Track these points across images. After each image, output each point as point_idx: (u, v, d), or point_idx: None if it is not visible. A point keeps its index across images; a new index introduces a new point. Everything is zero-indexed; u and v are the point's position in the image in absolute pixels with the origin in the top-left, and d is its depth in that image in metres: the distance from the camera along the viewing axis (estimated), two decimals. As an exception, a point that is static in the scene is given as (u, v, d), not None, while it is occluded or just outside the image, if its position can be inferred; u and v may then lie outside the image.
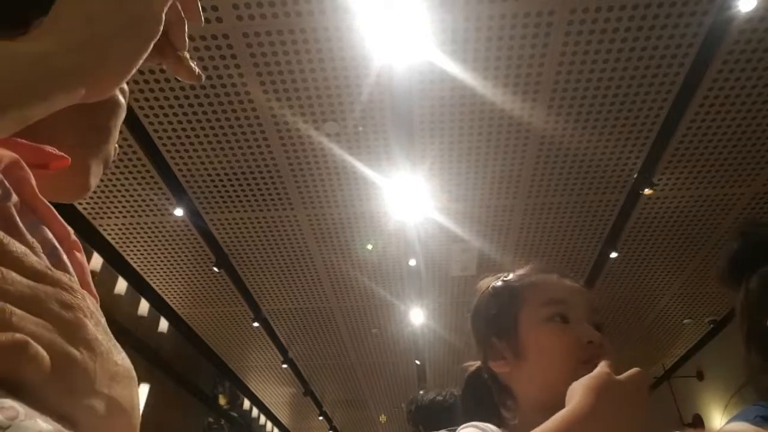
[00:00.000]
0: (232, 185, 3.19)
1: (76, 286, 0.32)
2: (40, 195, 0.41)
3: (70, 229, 0.45)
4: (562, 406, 0.66)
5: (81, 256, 0.45)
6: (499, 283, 0.81)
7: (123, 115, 0.61)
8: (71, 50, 0.38)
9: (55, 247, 0.42)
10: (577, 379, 0.64)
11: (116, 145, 0.64)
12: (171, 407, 5.04)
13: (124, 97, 0.64)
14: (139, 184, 3.16)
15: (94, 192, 3.23)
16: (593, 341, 0.67)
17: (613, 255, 3.75)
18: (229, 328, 5.06)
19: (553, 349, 0.70)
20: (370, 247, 3.75)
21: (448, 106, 2.65)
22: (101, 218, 3.48)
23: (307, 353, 5.67)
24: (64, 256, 0.43)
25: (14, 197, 0.37)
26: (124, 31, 0.41)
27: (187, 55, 0.51)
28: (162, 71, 2.44)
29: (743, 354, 0.86)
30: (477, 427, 0.68)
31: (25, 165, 0.39)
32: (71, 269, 0.44)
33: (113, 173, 3.08)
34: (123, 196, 3.24)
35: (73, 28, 0.39)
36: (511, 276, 0.80)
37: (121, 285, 4.11)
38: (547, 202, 3.35)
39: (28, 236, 0.37)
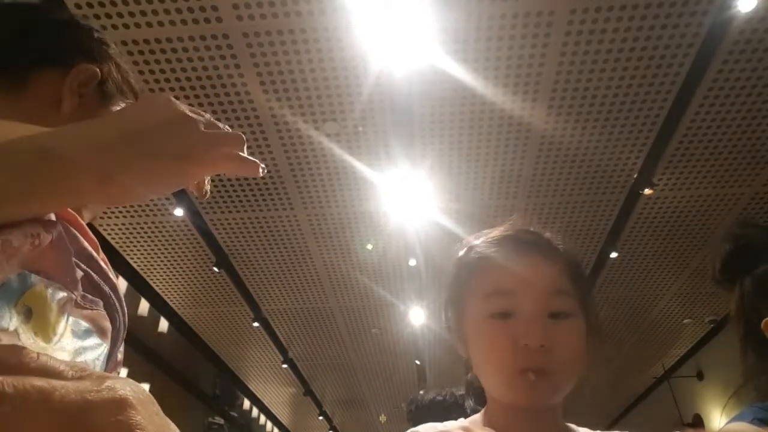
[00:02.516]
0: (232, 185, 3.19)
1: None
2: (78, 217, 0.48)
3: (96, 241, 0.52)
4: (516, 406, 0.61)
5: (106, 260, 0.53)
6: (461, 253, 0.71)
7: None
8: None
9: (91, 255, 0.50)
10: (515, 390, 0.59)
11: None
12: (171, 407, 5.00)
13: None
14: (139, 184, 3.16)
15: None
16: (529, 344, 0.57)
17: (613, 255, 3.75)
18: (229, 328, 5.06)
19: (484, 352, 0.63)
20: (370, 247, 3.75)
21: (448, 106, 2.65)
22: (101, 218, 3.48)
23: (307, 353, 5.67)
24: (101, 262, 0.51)
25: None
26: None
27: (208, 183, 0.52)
28: (162, 71, 2.44)
29: (740, 355, 0.86)
30: (434, 427, 0.66)
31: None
32: (110, 274, 0.52)
33: (113, 173, 3.08)
34: (123, 196, 3.24)
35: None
36: (476, 243, 0.70)
37: (121, 285, 4.11)
38: (547, 202, 3.35)
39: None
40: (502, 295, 0.62)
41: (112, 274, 0.53)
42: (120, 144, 0.40)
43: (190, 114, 0.45)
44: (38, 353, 0.26)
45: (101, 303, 0.50)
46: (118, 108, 0.65)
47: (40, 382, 0.24)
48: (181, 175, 0.44)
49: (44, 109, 0.57)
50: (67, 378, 0.26)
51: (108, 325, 0.51)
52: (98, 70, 0.62)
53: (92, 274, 0.50)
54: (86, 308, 0.47)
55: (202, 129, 0.45)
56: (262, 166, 0.49)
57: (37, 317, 0.41)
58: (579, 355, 0.61)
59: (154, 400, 0.29)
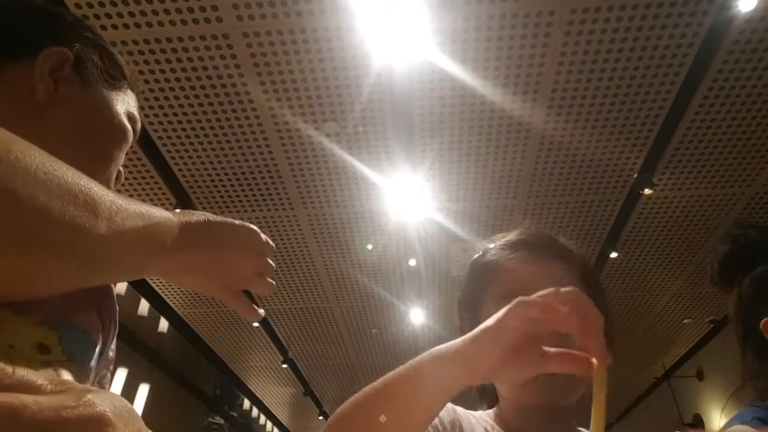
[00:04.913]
0: (232, 185, 3.19)
1: None
2: None
3: None
4: (528, 407, 0.63)
5: None
6: (476, 256, 0.74)
7: (129, 142, 0.63)
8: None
9: None
10: (530, 388, 0.60)
11: (120, 169, 0.65)
12: (171, 407, 5.04)
13: (133, 124, 0.65)
14: (139, 184, 3.16)
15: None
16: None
17: (613, 255, 3.75)
18: (229, 328, 5.06)
19: None
20: (370, 247, 3.75)
21: (448, 106, 2.65)
22: (101, 218, 3.47)
23: (307, 353, 5.67)
24: None
25: None
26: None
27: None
28: (162, 71, 2.45)
29: (739, 357, 0.86)
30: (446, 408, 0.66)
31: None
32: None
33: (113, 173, 3.08)
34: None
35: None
36: (491, 247, 0.73)
37: (122, 285, 4.10)
38: (547, 202, 3.35)
39: None
40: (514, 297, 0.63)
41: None
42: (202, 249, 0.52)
43: (259, 257, 0.58)
44: (14, 368, 0.25)
45: (90, 300, 0.50)
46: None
47: (9, 398, 0.22)
48: (212, 293, 0.59)
49: (20, 102, 0.54)
50: (46, 392, 0.24)
51: (98, 323, 0.51)
52: (69, 51, 0.58)
53: None
54: (71, 310, 0.47)
55: (255, 273, 0.59)
56: (261, 312, 0.65)
57: (6, 334, 0.40)
58: None
59: (138, 416, 0.28)
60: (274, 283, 0.61)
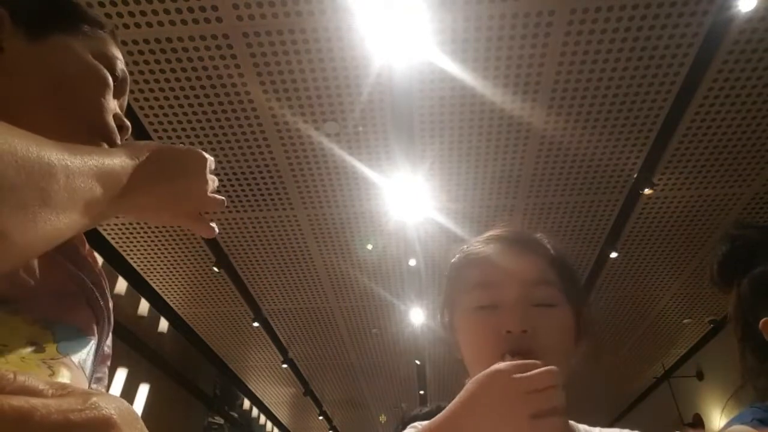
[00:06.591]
0: (232, 185, 3.19)
1: None
2: None
3: (81, 235, 0.55)
4: None
5: (92, 253, 0.58)
6: (455, 258, 0.73)
7: (108, 84, 0.58)
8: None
9: (76, 249, 0.52)
10: None
11: (124, 120, 0.60)
12: (171, 407, 5.04)
13: (108, 63, 0.59)
14: (139, 184, 3.16)
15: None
16: (511, 330, 0.58)
17: (613, 255, 3.75)
18: (229, 328, 5.06)
19: (471, 342, 0.63)
20: (370, 247, 3.75)
21: (448, 106, 2.65)
22: (101, 218, 3.47)
23: (307, 353, 5.67)
24: (86, 257, 0.55)
25: None
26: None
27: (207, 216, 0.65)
28: (162, 71, 2.45)
29: (738, 357, 0.86)
30: (414, 427, 0.65)
31: None
32: (96, 267, 0.55)
33: (113, 173, 3.08)
34: (123, 196, 3.24)
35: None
36: (466, 246, 0.72)
37: (121, 285, 4.10)
38: (547, 202, 3.35)
39: None
40: (486, 288, 0.63)
41: (97, 268, 0.53)
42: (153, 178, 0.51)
43: (208, 179, 0.58)
44: (15, 373, 0.25)
45: (83, 298, 0.50)
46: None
47: (18, 401, 0.23)
48: (170, 222, 0.60)
49: None
50: (47, 397, 0.25)
51: (92, 320, 0.51)
52: (1, 8, 0.52)
53: (71, 267, 0.49)
54: (64, 308, 0.47)
55: (208, 193, 0.59)
56: (216, 229, 0.65)
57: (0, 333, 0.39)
58: (566, 344, 0.61)
59: (139, 417, 0.28)
60: (223, 198, 0.63)
